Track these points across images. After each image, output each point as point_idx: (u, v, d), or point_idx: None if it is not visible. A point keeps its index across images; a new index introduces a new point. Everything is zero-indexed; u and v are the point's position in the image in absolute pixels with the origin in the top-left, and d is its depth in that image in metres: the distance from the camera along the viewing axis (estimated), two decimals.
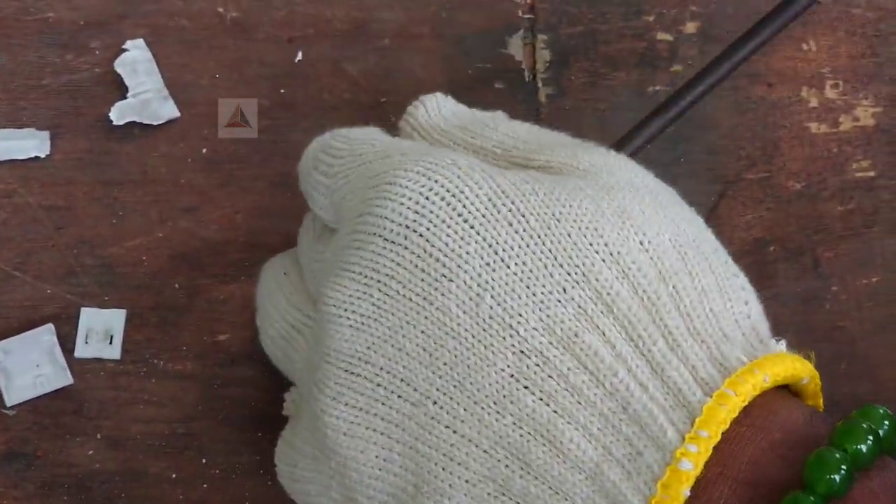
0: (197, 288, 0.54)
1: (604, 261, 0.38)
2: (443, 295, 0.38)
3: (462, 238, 0.38)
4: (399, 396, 0.39)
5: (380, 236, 0.40)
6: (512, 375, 0.37)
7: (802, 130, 0.58)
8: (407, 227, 0.39)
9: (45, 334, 0.52)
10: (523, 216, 0.39)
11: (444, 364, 0.38)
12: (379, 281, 0.39)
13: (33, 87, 0.56)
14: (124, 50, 0.57)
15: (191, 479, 0.52)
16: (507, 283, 0.38)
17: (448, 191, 0.40)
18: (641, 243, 0.39)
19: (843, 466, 0.35)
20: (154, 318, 0.53)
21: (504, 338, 0.37)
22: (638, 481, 0.36)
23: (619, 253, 0.39)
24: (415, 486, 0.39)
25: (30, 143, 0.55)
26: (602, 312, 0.37)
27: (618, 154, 0.44)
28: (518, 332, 0.37)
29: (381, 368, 0.39)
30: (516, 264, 0.38)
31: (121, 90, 0.56)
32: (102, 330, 0.53)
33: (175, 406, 0.53)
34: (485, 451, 0.38)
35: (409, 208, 0.40)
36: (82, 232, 0.54)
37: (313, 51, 0.58)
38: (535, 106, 0.57)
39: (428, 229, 0.39)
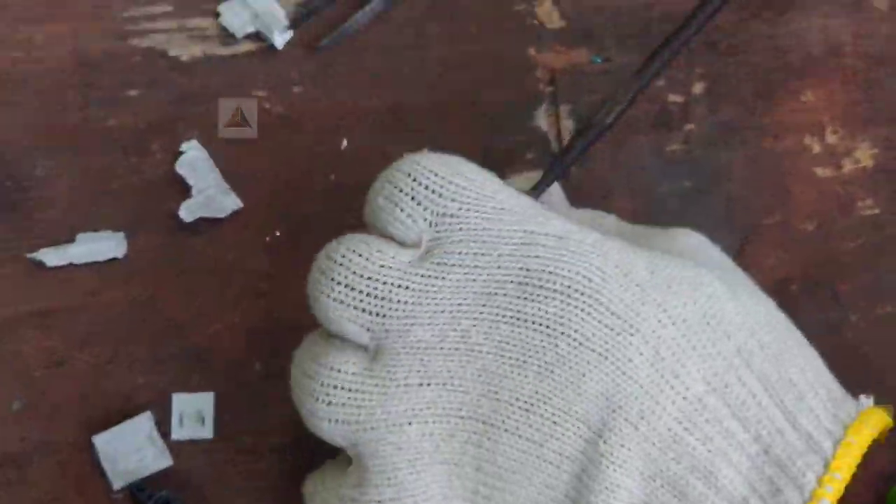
0: (277, 365, 0.61)
1: (737, 323, 0.47)
2: (625, 347, 0.46)
3: (640, 299, 0.46)
4: (574, 433, 0.47)
5: (566, 294, 0.48)
6: (676, 418, 0.45)
7: (809, 175, 0.67)
8: (590, 287, 0.48)
9: (144, 421, 0.59)
10: (672, 279, 0.48)
11: (620, 407, 0.46)
12: (566, 333, 0.47)
13: (104, 191, 0.64)
14: (181, 152, 0.63)
15: None
16: (674, 339, 0.46)
17: (620, 262, 0.48)
18: (755, 308, 0.48)
19: None
20: (241, 397, 0.60)
21: (672, 385, 0.45)
22: None
23: (744, 318, 0.48)
24: None
25: (107, 245, 0.62)
26: (743, 366, 0.46)
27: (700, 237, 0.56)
28: (683, 381, 0.46)
29: (559, 409, 0.47)
30: (681, 323, 0.46)
31: (184, 187, 0.63)
32: (194, 412, 0.60)
33: (267, 478, 0.60)
34: (645, 480, 0.45)
35: (591, 272, 0.50)
36: (165, 322, 0.62)
37: (357, 137, 0.65)
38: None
39: (610, 291, 0.47)
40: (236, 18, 0.69)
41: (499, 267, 0.52)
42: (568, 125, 0.69)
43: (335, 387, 0.52)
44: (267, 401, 0.62)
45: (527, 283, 0.52)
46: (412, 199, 0.53)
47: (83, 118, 0.66)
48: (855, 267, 0.67)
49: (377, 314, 0.52)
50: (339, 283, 0.52)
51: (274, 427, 0.62)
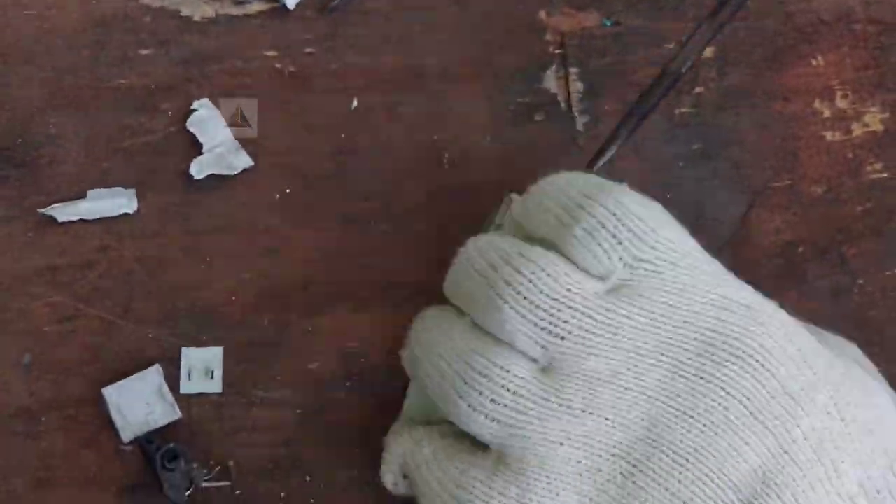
0: (286, 322, 0.62)
1: (889, 431, 0.51)
2: (793, 427, 0.49)
3: (813, 386, 0.50)
4: (723, 500, 0.50)
5: (746, 362, 0.51)
6: None
7: (819, 139, 0.67)
8: (772, 363, 0.50)
9: (153, 375, 0.60)
10: (836, 380, 0.52)
11: (776, 484, 0.49)
12: (736, 398, 0.50)
13: (115, 149, 0.64)
14: (193, 110, 0.64)
15: (298, 497, 0.60)
16: (840, 434, 0.47)
17: (802, 347, 0.52)
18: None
19: None
20: (249, 352, 0.61)
21: (830, 478, 0.47)
22: None
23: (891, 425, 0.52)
24: None
25: (119, 201, 0.62)
26: (891, 473, 0.47)
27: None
28: (840, 477, 0.47)
29: (715, 470, 0.50)
30: (852, 421, 0.48)
31: (195, 146, 0.64)
32: (203, 367, 0.60)
33: (276, 431, 0.61)
34: None
35: (765, 346, 0.52)
36: (175, 279, 0.62)
37: (367, 98, 0.66)
38: (572, 134, 0.66)
39: (787, 370, 0.51)
40: None
41: (686, 322, 0.53)
42: (578, 87, 0.69)
43: (503, 387, 0.53)
44: (275, 356, 0.63)
45: (711, 345, 0.52)
46: (614, 237, 0.53)
47: (95, 77, 0.67)
48: (863, 231, 0.68)
49: (558, 336, 0.53)
50: (524, 298, 0.53)
51: (281, 381, 0.63)
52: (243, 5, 0.69)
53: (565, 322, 0.52)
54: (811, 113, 0.70)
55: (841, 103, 0.70)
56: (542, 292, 0.52)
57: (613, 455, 0.52)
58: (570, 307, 0.52)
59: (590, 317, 0.52)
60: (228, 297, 0.64)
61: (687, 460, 0.51)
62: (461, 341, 0.54)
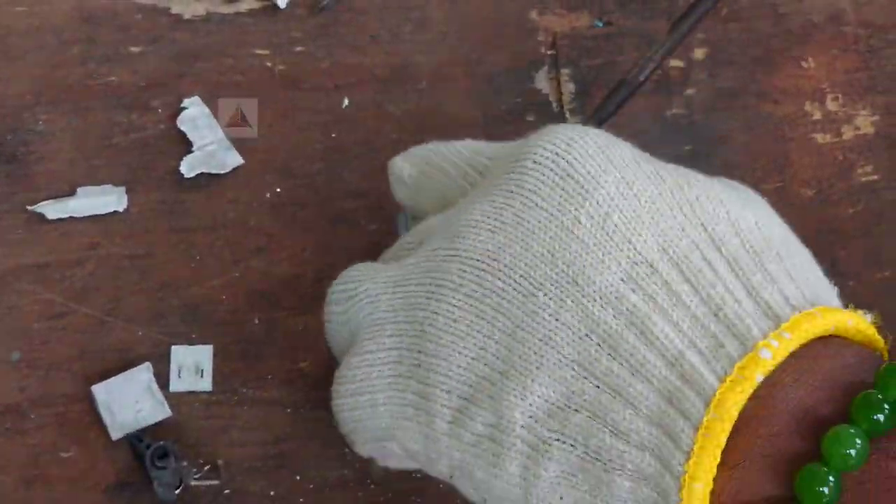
0: (275, 320, 0.62)
1: (721, 219, 0.47)
2: (576, 208, 0.48)
3: (603, 170, 0.48)
4: (514, 289, 0.49)
5: (532, 160, 0.51)
6: (622, 278, 0.46)
7: (809, 141, 0.68)
8: (557, 154, 0.50)
9: (143, 372, 0.60)
10: (660, 175, 0.48)
11: (563, 263, 0.47)
12: (522, 194, 0.50)
13: (105, 146, 0.64)
14: (183, 108, 0.64)
15: (287, 495, 0.60)
16: (634, 211, 0.47)
17: (599, 142, 0.51)
18: (756, 220, 0.48)
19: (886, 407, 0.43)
20: (239, 350, 0.62)
21: (622, 248, 0.47)
22: (716, 365, 0.45)
23: (735, 219, 0.47)
24: (501, 372, 0.48)
25: (108, 199, 0.63)
26: (712, 249, 0.46)
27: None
28: (635, 246, 0.47)
29: (506, 265, 0.49)
30: (647, 201, 0.48)
31: (185, 144, 0.64)
32: (193, 365, 0.61)
33: (266, 429, 0.61)
34: (580, 337, 0.46)
35: (561, 142, 0.51)
36: (164, 276, 0.62)
37: (358, 96, 0.66)
38: None
39: (575, 159, 0.50)
40: None
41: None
42: (569, 88, 0.69)
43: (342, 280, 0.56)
44: (265, 354, 0.63)
45: (514, 160, 0.53)
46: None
47: (85, 74, 0.67)
48: (853, 233, 0.68)
49: None
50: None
51: (271, 380, 0.63)
52: (234, 3, 0.69)
53: None
54: (802, 115, 0.70)
55: (831, 106, 0.70)
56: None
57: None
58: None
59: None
60: (218, 295, 0.64)
61: (478, 261, 0.51)
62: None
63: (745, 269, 0.48)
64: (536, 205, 0.51)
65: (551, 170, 0.51)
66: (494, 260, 0.50)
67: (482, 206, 0.52)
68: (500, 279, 0.50)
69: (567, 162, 0.51)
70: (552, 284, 0.49)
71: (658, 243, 0.49)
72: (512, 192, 0.52)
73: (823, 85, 0.70)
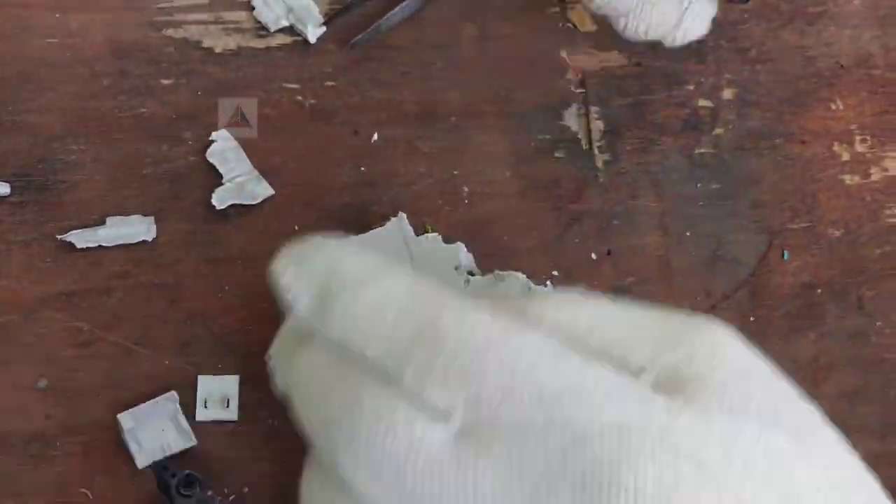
0: None
1: None
2: None
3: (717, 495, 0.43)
4: None
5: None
6: None
7: (837, 182, 0.69)
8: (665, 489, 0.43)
9: (169, 401, 0.61)
10: None
11: None
12: None
13: (135, 176, 0.66)
14: (212, 141, 0.65)
15: None
16: None
17: (693, 450, 0.44)
18: None
19: None
20: (265, 381, 0.62)
21: None
22: None
23: None
24: None
25: (138, 229, 0.64)
26: None
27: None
28: None
29: None
30: None
31: (215, 175, 0.65)
32: (219, 395, 0.61)
33: (291, 460, 0.61)
34: None
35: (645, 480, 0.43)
36: (192, 306, 0.63)
37: (387, 131, 0.67)
38: (593, 171, 0.67)
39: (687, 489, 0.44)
40: (271, 12, 0.71)
41: (550, 470, 0.44)
42: (598, 126, 0.71)
43: None
44: None
45: (583, 489, 0.44)
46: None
47: (116, 106, 0.69)
48: (881, 274, 0.69)
49: None
50: None
51: None
52: (265, 38, 0.71)
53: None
54: (830, 156, 0.71)
55: (860, 147, 0.71)
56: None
57: None
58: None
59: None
60: (245, 326, 0.65)
61: None
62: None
63: None
64: None
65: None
66: None
67: None
68: None
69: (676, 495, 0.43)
70: None
71: None
72: None
73: (852, 126, 0.72)
